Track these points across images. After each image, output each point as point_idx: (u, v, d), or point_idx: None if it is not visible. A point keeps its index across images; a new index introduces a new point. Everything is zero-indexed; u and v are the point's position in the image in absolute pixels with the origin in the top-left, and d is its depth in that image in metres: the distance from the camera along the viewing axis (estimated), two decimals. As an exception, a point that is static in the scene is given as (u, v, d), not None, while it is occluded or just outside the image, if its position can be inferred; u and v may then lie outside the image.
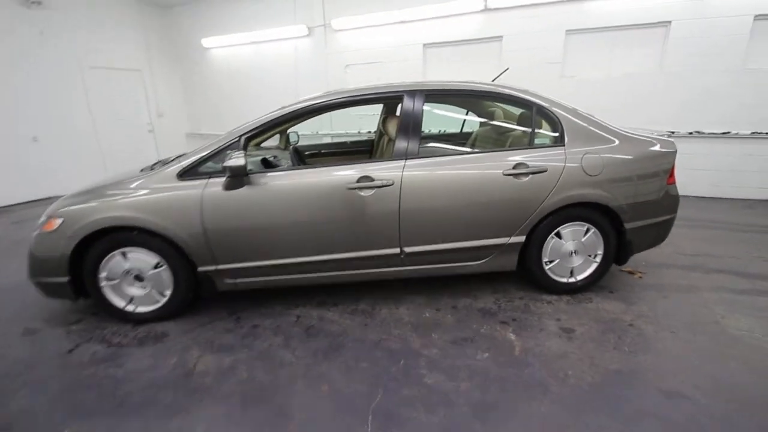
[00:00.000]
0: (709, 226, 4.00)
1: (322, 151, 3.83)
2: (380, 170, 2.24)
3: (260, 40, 7.20)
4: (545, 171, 2.30)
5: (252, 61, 7.50)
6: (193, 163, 2.23)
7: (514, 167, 2.29)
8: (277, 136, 3.79)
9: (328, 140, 6.88)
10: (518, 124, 2.63)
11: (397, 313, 2.44)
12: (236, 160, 2.04)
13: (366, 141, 3.88)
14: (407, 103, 2.33)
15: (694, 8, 4.77)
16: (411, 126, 2.30)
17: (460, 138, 3.27)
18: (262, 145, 3.72)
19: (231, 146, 2.24)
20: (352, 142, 3.89)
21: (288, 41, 6.98)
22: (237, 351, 2.12)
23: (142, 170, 2.45)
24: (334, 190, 2.22)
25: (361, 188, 2.21)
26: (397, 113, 2.65)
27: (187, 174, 2.23)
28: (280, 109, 2.33)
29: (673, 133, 4.96)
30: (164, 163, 2.48)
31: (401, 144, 2.30)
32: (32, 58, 5.96)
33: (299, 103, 2.35)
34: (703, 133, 5.01)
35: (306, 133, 6.68)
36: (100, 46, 6.81)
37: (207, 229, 2.20)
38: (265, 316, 2.47)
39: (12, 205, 5.87)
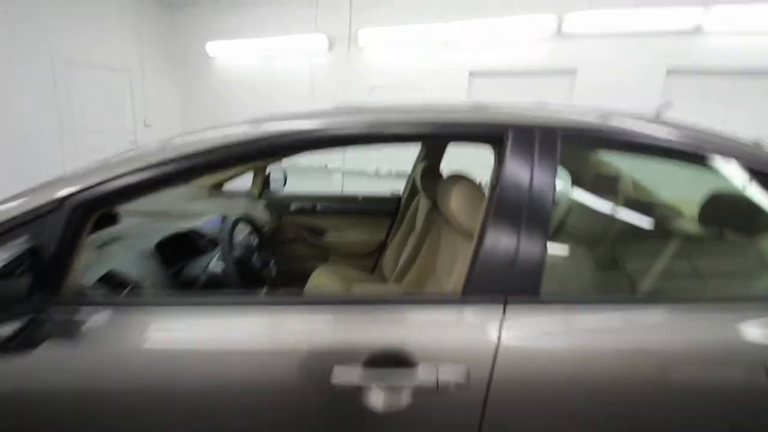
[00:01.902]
0: None
1: (317, 208, 2.43)
2: (429, 328, 0.81)
3: (273, 53, 6.06)
4: None
5: (261, 75, 6.36)
6: None
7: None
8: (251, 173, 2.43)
9: (338, 177, 5.54)
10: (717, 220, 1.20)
11: None
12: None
13: (390, 199, 2.49)
14: (515, 157, 0.90)
15: None
16: (524, 214, 0.87)
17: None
18: (225, 187, 2.35)
19: (38, 222, 0.83)
20: (366, 199, 2.49)
21: (304, 57, 5.80)
22: None
23: None
24: (296, 383, 0.79)
25: (371, 385, 0.78)
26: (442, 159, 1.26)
27: None
28: (236, 126, 0.94)
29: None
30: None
31: (490, 256, 0.86)
32: (-11, 43, 4.84)
33: (272, 123, 0.91)
34: None
35: (312, 165, 5.38)
36: (80, 37, 5.71)
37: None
38: None
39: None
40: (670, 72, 3.98)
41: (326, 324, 0.82)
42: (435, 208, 1.79)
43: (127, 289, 0.98)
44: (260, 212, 2.21)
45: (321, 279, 2.09)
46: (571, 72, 4.34)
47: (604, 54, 4.15)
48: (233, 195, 2.23)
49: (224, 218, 1.74)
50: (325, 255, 2.47)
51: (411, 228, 2.12)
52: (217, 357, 0.80)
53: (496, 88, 4.81)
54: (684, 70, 3.93)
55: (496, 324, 0.81)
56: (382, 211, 2.43)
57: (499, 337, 0.80)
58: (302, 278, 2.09)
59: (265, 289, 1.57)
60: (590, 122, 0.92)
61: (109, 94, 6.25)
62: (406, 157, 2.33)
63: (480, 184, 1.25)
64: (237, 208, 1.99)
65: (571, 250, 1.08)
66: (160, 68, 6.88)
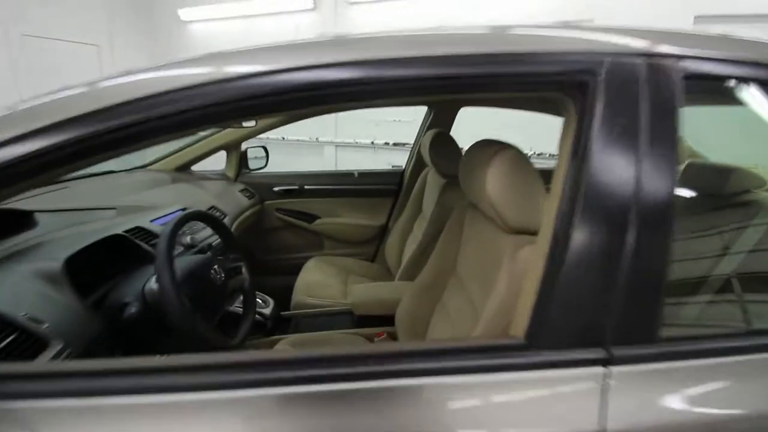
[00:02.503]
0: None
1: (305, 186, 2.07)
2: (473, 405, 0.49)
3: (253, 13, 5.51)
4: None
5: (243, 40, 5.80)
6: None
7: None
8: (223, 153, 2.06)
9: (331, 150, 5.12)
10: None
11: None
12: None
13: (391, 174, 2.14)
14: (612, 113, 0.55)
15: None
16: (634, 209, 0.50)
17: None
18: (194, 168, 2.00)
19: None
20: (362, 176, 2.13)
21: (288, 16, 5.27)
22: None
23: None
24: None
25: None
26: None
27: None
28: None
29: None
30: None
31: (577, 279, 0.52)
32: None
33: (173, 68, 0.56)
34: None
35: (302, 139, 4.98)
36: (40, 9, 5.14)
37: None
38: None
39: None
40: (699, 18, 3.54)
41: (291, 407, 0.49)
42: (451, 186, 1.45)
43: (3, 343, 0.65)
44: (237, 197, 1.86)
45: (314, 273, 1.78)
46: (586, 22, 3.88)
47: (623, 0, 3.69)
48: (204, 178, 1.87)
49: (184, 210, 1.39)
50: (318, 243, 2.14)
51: (417, 210, 1.78)
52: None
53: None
54: (713, 15, 3.49)
55: (595, 395, 0.48)
56: (383, 190, 2.08)
57: (601, 421, 0.47)
58: (293, 272, 1.78)
59: (241, 298, 1.25)
60: (740, 55, 0.56)
61: (76, 73, 5.70)
62: (405, 126, 1.96)
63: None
64: (206, 196, 1.63)
65: (713, 267, 0.72)
66: (131, 40, 6.30)
